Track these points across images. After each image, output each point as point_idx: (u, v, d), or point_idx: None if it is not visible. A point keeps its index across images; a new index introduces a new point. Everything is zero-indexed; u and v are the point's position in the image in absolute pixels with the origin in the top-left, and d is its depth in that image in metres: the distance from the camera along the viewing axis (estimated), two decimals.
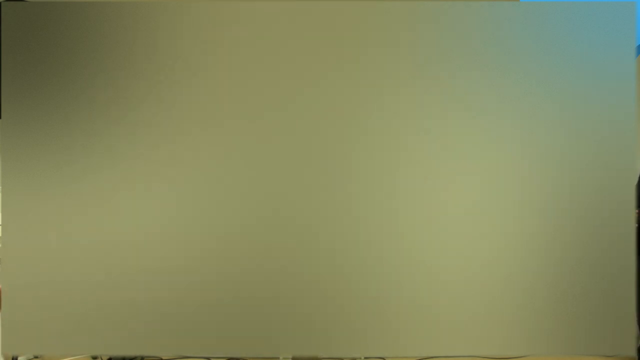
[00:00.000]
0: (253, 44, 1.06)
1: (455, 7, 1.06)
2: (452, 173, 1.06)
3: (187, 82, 1.06)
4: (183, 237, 1.05)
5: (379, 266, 1.05)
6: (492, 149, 1.06)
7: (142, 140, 1.06)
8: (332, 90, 1.06)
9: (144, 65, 1.06)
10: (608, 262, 1.06)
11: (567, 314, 1.06)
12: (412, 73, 1.06)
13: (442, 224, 1.05)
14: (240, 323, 1.05)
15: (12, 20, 1.06)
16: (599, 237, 1.06)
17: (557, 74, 1.06)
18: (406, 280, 1.05)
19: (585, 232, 1.06)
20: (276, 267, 1.05)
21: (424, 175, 1.05)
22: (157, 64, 1.06)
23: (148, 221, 1.05)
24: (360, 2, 1.06)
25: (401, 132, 1.06)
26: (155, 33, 1.06)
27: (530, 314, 1.06)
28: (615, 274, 1.06)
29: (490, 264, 1.06)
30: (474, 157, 1.06)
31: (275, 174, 1.05)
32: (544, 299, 1.06)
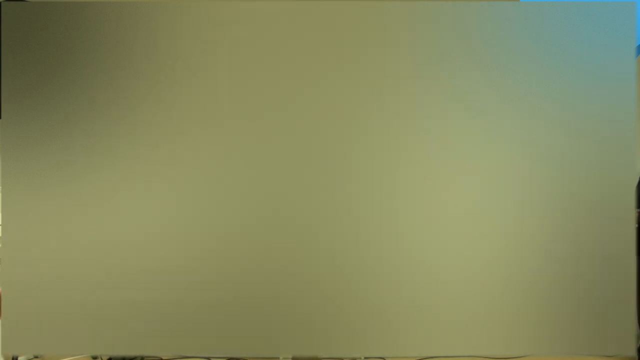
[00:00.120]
0: (253, 44, 1.06)
1: (455, 7, 1.06)
2: (452, 173, 1.06)
3: (187, 82, 1.06)
4: (183, 237, 1.05)
5: (379, 266, 1.05)
6: (492, 149, 1.06)
7: (142, 140, 1.06)
8: (332, 90, 1.06)
9: (144, 65, 1.06)
10: (608, 262, 1.06)
11: (567, 314, 1.06)
12: (412, 73, 1.06)
13: (442, 224, 1.05)
14: (240, 323, 1.05)
15: (12, 20, 1.06)
16: (599, 237, 1.06)
17: (557, 74, 1.06)
18: (406, 280, 1.05)
19: (585, 232, 1.06)
20: (276, 267, 1.05)
21: (424, 175, 1.05)
22: (157, 64, 1.06)
23: (148, 221, 1.05)
24: (360, 2, 1.06)
25: (401, 132, 1.06)
26: (155, 33, 1.06)
27: (530, 314, 1.06)
28: (615, 274, 1.06)
29: (490, 264, 1.06)
30: (474, 157, 1.06)
31: (275, 174, 1.05)
32: (544, 299, 1.06)
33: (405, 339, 1.05)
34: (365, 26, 1.06)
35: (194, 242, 1.05)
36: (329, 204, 1.05)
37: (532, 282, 1.06)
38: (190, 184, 1.05)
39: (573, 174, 1.06)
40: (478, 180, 1.06)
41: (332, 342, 1.05)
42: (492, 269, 1.06)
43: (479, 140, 1.06)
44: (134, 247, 1.05)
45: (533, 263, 1.06)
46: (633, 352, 1.09)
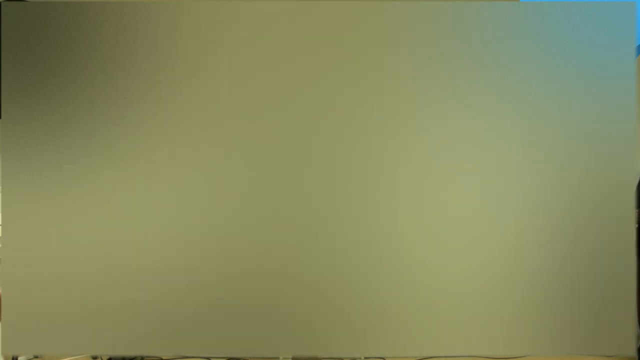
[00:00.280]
0: (253, 44, 1.06)
1: (455, 7, 1.06)
2: (452, 173, 1.06)
3: (187, 82, 1.06)
4: (183, 237, 1.05)
5: (379, 266, 1.05)
6: (492, 149, 1.06)
7: (142, 140, 1.06)
8: (332, 90, 1.06)
9: (144, 65, 1.06)
10: (608, 262, 1.06)
11: (567, 314, 1.06)
12: (412, 73, 1.06)
13: (442, 224, 1.05)
14: (240, 323, 1.05)
15: (12, 20, 1.06)
16: (599, 237, 1.06)
17: (557, 74, 1.06)
18: (406, 280, 1.05)
19: (585, 232, 1.06)
20: (276, 267, 1.05)
21: (424, 176, 1.05)
22: (157, 64, 1.06)
23: (148, 221, 1.05)
24: (360, 2, 1.06)
25: (401, 132, 1.06)
26: (155, 33, 1.06)
27: (530, 314, 1.06)
28: (615, 274, 1.06)
29: (489, 264, 1.06)
30: (474, 157, 1.06)
31: (275, 174, 1.05)
32: (544, 299, 1.06)
33: (405, 339, 1.05)
34: (365, 26, 1.06)
35: (194, 242, 1.05)
36: (329, 204, 1.05)
37: (532, 282, 1.06)
38: (190, 184, 1.05)
39: (573, 173, 1.06)
40: (478, 180, 1.06)
41: (332, 342, 1.05)
42: (492, 269, 1.06)
43: (479, 140, 1.06)
44: (134, 247, 1.05)
45: (533, 263, 1.06)
46: (633, 352, 1.09)
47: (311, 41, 1.06)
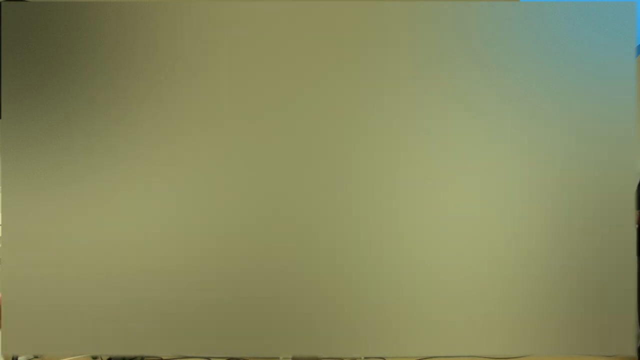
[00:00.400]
0: (253, 44, 1.06)
1: (455, 7, 1.06)
2: (452, 173, 1.06)
3: (187, 82, 1.06)
4: (183, 237, 1.05)
5: (379, 266, 1.05)
6: (492, 149, 1.06)
7: (142, 140, 1.06)
8: (332, 90, 1.06)
9: (144, 65, 1.06)
10: (608, 263, 1.06)
11: (567, 314, 1.06)
12: (412, 73, 1.06)
13: (443, 224, 1.05)
14: (240, 323, 1.05)
15: (12, 20, 1.06)
16: (600, 237, 1.06)
17: (557, 74, 1.06)
18: (406, 280, 1.05)
19: (586, 232, 1.06)
20: (276, 267, 1.05)
21: (424, 175, 1.05)
22: (157, 64, 1.06)
23: (148, 221, 1.05)
24: (360, 2, 1.06)
25: (401, 132, 1.06)
26: (155, 33, 1.06)
27: (530, 314, 1.06)
28: (616, 274, 1.06)
29: (489, 265, 1.06)
30: (474, 157, 1.06)
31: (275, 174, 1.05)
32: (544, 300, 1.06)
33: (405, 339, 1.05)
34: (365, 26, 1.06)
35: (194, 242, 1.05)
36: (329, 204, 1.05)
37: (532, 283, 1.06)
38: (190, 184, 1.05)
39: (573, 173, 1.06)
40: (477, 180, 1.06)
41: (332, 342, 1.05)
42: (491, 269, 1.06)
43: (479, 140, 1.06)
44: (134, 247, 1.05)
45: (533, 263, 1.06)
46: (633, 352, 1.09)
47: (311, 41, 1.06)
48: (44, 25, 1.06)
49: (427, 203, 1.05)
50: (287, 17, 1.06)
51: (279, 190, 1.05)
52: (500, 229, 1.06)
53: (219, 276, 1.05)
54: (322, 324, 1.05)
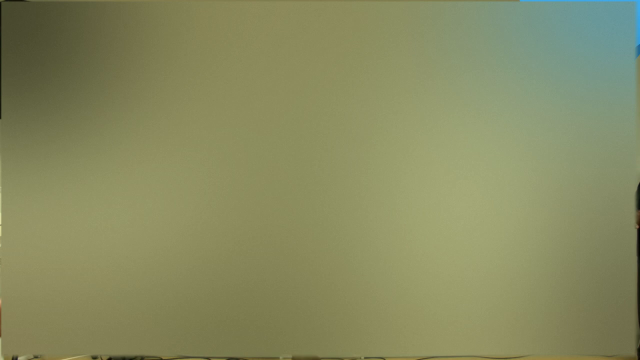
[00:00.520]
0: (253, 44, 1.06)
1: (455, 7, 1.06)
2: (452, 172, 1.06)
3: (187, 82, 1.06)
4: (183, 237, 1.05)
5: (379, 266, 1.05)
6: (491, 149, 1.06)
7: (143, 140, 1.06)
8: (332, 90, 1.06)
9: (144, 65, 1.06)
10: (608, 263, 1.06)
11: (567, 314, 1.06)
12: (412, 73, 1.06)
13: (442, 223, 1.05)
14: (240, 323, 1.05)
15: (12, 20, 1.06)
16: (600, 237, 1.06)
17: (557, 74, 1.06)
18: (406, 280, 1.05)
19: (586, 232, 1.06)
20: (276, 267, 1.05)
21: (424, 175, 1.05)
22: (157, 64, 1.06)
23: (149, 221, 1.05)
24: (360, 2, 1.06)
25: (401, 132, 1.06)
26: (155, 33, 1.06)
27: (530, 314, 1.06)
28: (616, 274, 1.06)
29: (489, 264, 1.06)
30: (473, 157, 1.06)
31: (276, 173, 1.05)
32: (544, 299, 1.06)
33: (405, 339, 1.05)
34: (365, 26, 1.06)
35: (194, 242, 1.05)
36: (328, 203, 1.05)
37: (532, 282, 1.06)
38: (191, 184, 1.05)
39: (572, 173, 1.06)
40: (478, 180, 1.06)
41: (332, 342, 1.05)
42: (491, 269, 1.06)
43: (478, 139, 1.06)
44: (134, 247, 1.05)
45: (533, 263, 1.06)
46: (633, 352, 1.09)
47: (311, 41, 1.06)
48: (44, 25, 1.06)
49: (426, 203, 1.05)
50: (287, 17, 1.06)
51: (279, 190, 1.05)
52: (500, 229, 1.06)
53: (219, 276, 1.05)
54: (322, 324, 1.05)
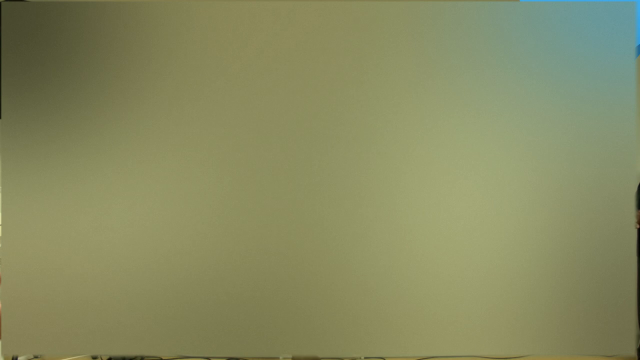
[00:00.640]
0: (253, 44, 1.06)
1: (455, 7, 1.06)
2: (451, 172, 1.06)
3: (188, 82, 1.06)
4: (183, 237, 1.05)
5: (379, 266, 1.05)
6: (491, 149, 1.06)
7: (142, 140, 1.06)
8: (333, 90, 1.06)
9: (144, 65, 1.06)
10: (608, 263, 1.06)
11: (567, 314, 1.06)
12: (412, 73, 1.06)
13: (442, 223, 1.05)
14: (240, 323, 1.05)
15: (12, 20, 1.06)
16: (600, 237, 1.06)
17: (557, 73, 1.06)
18: (406, 280, 1.05)
19: (586, 232, 1.06)
20: (276, 267, 1.05)
21: (424, 175, 1.05)
22: (158, 64, 1.06)
23: (149, 221, 1.05)
24: (360, 2, 1.06)
25: (401, 132, 1.06)
26: (155, 33, 1.06)
27: (530, 314, 1.06)
28: (616, 274, 1.06)
29: (490, 264, 1.06)
30: (473, 157, 1.06)
31: (276, 173, 1.05)
32: (544, 299, 1.06)
33: (405, 339, 1.05)
34: (365, 26, 1.06)
35: (194, 242, 1.05)
36: (329, 204, 1.05)
37: (532, 282, 1.06)
38: (191, 184, 1.05)
39: (572, 173, 1.06)
40: (479, 180, 1.06)
41: (332, 342, 1.05)
42: (491, 269, 1.06)
43: (478, 139, 1.06)
44: (134, 247, 1.05)
45: (533, 263, 1.06)
46: (633, 352, 1.09)
47: (312, 41, 1.06)
48: (44, 25, 1.06)
49: (426, 203, 1.05)
50: (287, 17, 1.06)
51: (279, 190, 1.05)
52: (500, 229, 1.06)
53: (219, 276, 1.05)
54: (322, 324, 1.05)
